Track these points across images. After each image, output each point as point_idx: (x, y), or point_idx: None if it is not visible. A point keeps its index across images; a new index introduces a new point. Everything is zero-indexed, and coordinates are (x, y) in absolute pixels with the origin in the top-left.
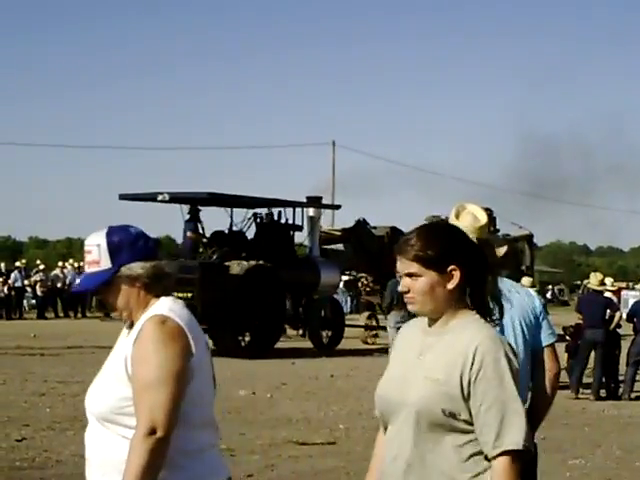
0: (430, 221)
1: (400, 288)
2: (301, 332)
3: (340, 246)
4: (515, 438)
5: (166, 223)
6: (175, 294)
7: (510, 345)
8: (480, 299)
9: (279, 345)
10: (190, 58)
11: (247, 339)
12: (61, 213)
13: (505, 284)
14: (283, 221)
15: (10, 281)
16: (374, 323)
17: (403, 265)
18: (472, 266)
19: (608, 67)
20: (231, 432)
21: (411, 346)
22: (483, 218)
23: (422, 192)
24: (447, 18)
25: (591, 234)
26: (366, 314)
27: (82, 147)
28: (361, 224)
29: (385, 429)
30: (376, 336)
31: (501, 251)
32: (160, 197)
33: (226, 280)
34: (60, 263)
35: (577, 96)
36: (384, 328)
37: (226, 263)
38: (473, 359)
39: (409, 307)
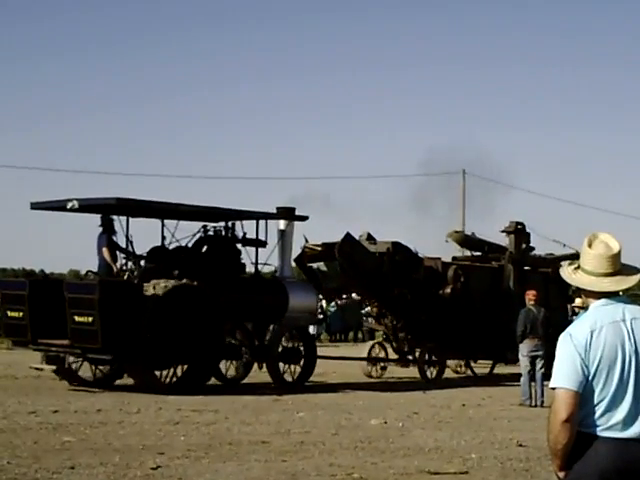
0: (452, 236)
1: None
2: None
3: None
4: None
5: None
6: None
7: None
8: None
9: (405, 373)
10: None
11: (172, 372)
12: None
13: (633, 310)
14: (244, 235)
15: None
16: (381, 354)
17: None
18: None
19: None
20: (363, 461)
21: None
22: (615, 247)
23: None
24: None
25: None
26: (369, 344)
27: (213, 178)
28: (350, 238)
29: None
30: (384, 368)
31: (635, 278)
32: (69, 205)
33: (139, 303)
34: None
35: None
36: (395, 360)
37: (146, 283)
38: None
39: None
